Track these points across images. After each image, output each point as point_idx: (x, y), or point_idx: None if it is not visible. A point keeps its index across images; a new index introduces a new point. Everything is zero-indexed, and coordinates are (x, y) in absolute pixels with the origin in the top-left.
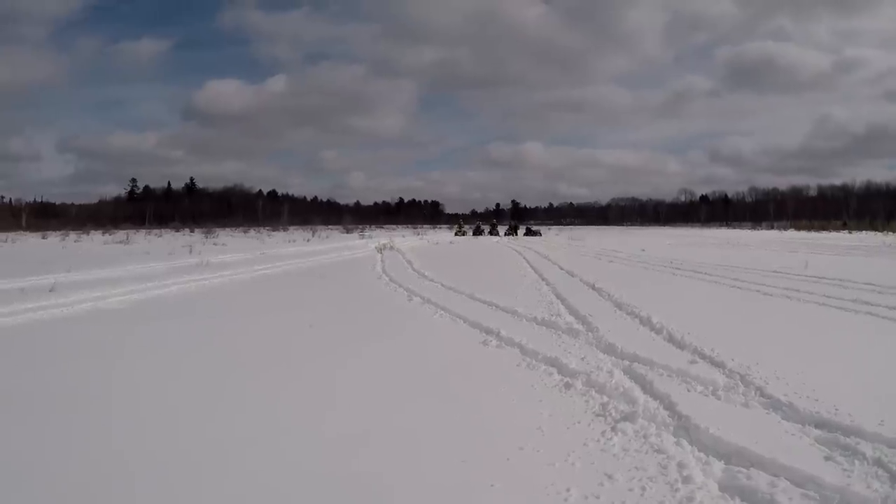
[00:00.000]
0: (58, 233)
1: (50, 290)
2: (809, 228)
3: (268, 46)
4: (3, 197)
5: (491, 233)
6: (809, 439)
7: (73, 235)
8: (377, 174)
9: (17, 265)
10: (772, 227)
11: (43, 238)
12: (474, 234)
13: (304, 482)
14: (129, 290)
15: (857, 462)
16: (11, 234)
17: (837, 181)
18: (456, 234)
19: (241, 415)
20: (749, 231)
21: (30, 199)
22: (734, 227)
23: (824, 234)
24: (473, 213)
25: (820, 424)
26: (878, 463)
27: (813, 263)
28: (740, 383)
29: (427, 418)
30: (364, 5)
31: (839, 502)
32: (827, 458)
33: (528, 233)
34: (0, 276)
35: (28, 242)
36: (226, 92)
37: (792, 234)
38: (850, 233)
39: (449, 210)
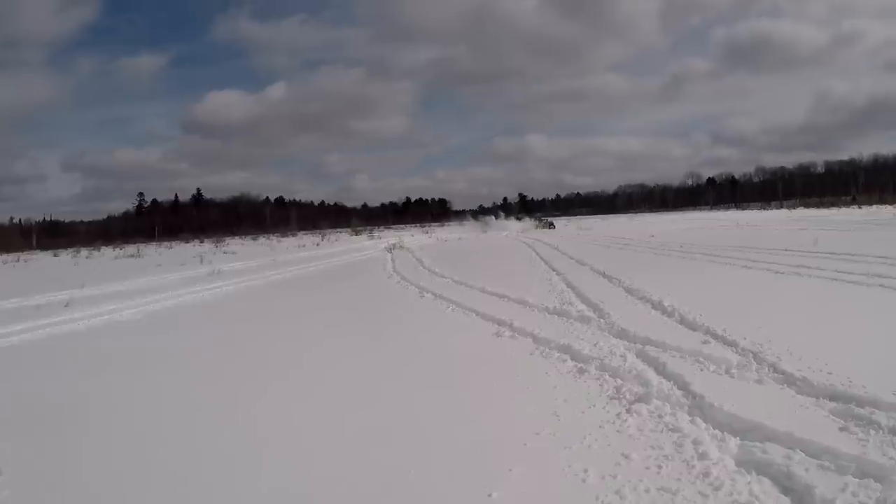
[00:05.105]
0: (69, 250)
1: (65, 306)
2: (819, 206)
3: (265, 55)
4: (13, 218)
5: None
6: (824, 412)
7: (84, 252)
8: (382, 175)
9: (31, 283)
10: (781, 207)
11: (55, 256)
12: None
13: (330, 470)
14: (143, 302)
15: (872, 431)
16: (23, 254)
17: (844, 156)
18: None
19: (262, 416)
20: (758, 212)
21: (39, 218)
22: (743, 209)
23: (834, 211)
24: (481, 207)
25: (834, 397)
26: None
27: (823, 240)
28: (753, 361)
29: (444, 409)
30: (357, 8)
31: (855, 471)
32: (842, 429)
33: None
34: (16, 293)
35: (40, 261)
36: (227, 103)
37: (801, 213)
38: (859, 207)
39: (456, 207)
